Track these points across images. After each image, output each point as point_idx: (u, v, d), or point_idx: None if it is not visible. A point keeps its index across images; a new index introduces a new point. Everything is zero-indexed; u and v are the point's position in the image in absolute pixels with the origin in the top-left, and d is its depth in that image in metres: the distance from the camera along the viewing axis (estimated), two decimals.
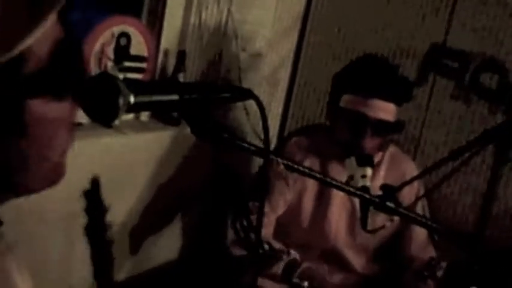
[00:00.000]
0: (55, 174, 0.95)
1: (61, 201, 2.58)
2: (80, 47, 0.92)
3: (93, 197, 1.94)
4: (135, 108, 0.96)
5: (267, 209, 2.77)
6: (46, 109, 0.86)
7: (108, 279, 1.96)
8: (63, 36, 0.88)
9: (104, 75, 0.94)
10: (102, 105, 0.93)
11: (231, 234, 2.75)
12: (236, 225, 2.63)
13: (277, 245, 2.68)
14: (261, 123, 1.12)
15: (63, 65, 0.87)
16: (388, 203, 1.41)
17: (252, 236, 2.50)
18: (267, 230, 2.77)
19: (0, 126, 0.81)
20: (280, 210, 2.83)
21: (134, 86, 0.95)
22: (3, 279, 0.88)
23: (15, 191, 0.92)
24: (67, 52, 0.88)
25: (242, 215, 2.63)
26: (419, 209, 2.70)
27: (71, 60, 0.89)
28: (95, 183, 1.94)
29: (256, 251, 2.29)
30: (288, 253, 2.61)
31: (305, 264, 2.65)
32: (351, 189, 1.45)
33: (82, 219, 2.74)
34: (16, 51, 0.78)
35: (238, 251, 2.71)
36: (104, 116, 0.95)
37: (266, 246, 2.51)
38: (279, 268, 2.57)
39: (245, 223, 2.54)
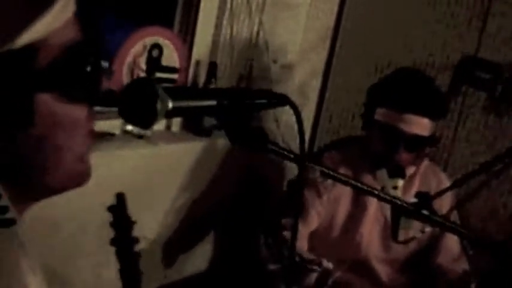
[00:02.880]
0: (76, 176, 0.95)
1: (96, 209, 2.60)
2: (99, 55, 0.92)
3: (119, 211, 1.96)
4: (173, 113, 0.97)
5: (300, 223, 2.76)
6: (56, 107, 0.86)
7: None
8: (79, 39, 0.88)
9: (143, 80, 0.95)
10: (141, 110, 0.94)
11: (263, 250, 2.75)
12: (268, 240, 2.63)
13: (309, 256, 2.67)
14: (291, 132, 1.12)
15: (73, 67, 0.88)
16: (423, 211, 1.40)
17: (285, 250, 2.48)
18: (300, 244, 2.76)
19: (11, 118, 0.82)
20: (314, 224, 2.81)
21: (172, 91, 0.96)
22: (15, 278, 0.88)
23: (37, 190, 0.93)
24: (80, 55, 0.89)
25: (274, 230, 2.63)
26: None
27: (83, 63, 0.90)
28: (121, 198, 1.95)
29: (289, 264, 2.28)
30: (320, 263, 2.60)
31: (337, 274, 2.64)
32: (386, 196, 1.44)
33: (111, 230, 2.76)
34: (23, 40, 0.79)
35: (271, 266, 2.70)
36: (142, 121, 0.96)
37: (297, 258, 2.50)
38: (311, 279, 2.56)
39: (277, 239, 2.53)
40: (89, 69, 0.90)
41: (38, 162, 0.88)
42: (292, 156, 1.20)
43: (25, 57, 0.81)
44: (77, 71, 0.89)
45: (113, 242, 1.94)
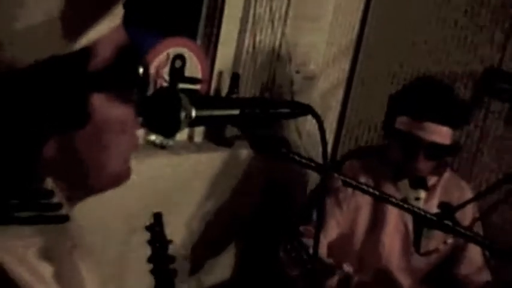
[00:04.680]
0: (121, 176, 0.97)
1: (119, 218, 2.62)
2: (144, 57, 0.94)
3: (156, 230, 1.99)
4: (197, 122, 0.98)
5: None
6: (109, 107, 0.88)
7: None
8: (127, 43, 0.90)
9: (167, 88, 0.96)
10: (165, 118, 0.95)
11: (283, 255, 2.75)
12: (287, 246, 2.63)
13: (329, 261, 2.67)
14: (313, 142, 1.12)
15: (126, 69, 0.90)
16: (445, 221, 1.40)
17: (305, 255, 2.48)
18: (320, 251, 2.76)
19: (66, 117, 0.84)
20: (333, 233, 2.82)
21: (196, 100, 0.97)
22: (72, 276, 0.90)
23: (83, 188, 0.95)
24: (131, 57, 0.91)
25: (293, 237, 2.63)
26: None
27: (134, 65, 0.92)
28: (158, 217, 1.98)
29: (310, 268, 2.28)
30: (341, 267, 2.60)
31: (358, 278, 2.64)
32: (407, 205, 1.44)
33: (139, 236, 2.77)
34: (82, 42, 0.81)
35: (292, 271, 2.70)
36: (165, 130, 0.97)
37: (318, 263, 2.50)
38: (332, 283, 2.56)
39: (296, 245, 2.54)
40: (141, 70, 0.92)
41: (87, 161, 0.90)
42: (314, 165, 1.21)
43: (82, 59, 0.83)
44: (130, 72, 0.91)
45: (150, 259, 1.97)
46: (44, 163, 0.86)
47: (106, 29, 0.86)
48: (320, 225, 1.28)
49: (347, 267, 2.65)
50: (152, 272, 1.96)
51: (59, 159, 0.87)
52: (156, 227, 1.99)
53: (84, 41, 0.82)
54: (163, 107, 0.95)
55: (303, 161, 1.19)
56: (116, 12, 0.87)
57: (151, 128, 0.99)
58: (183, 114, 0.94)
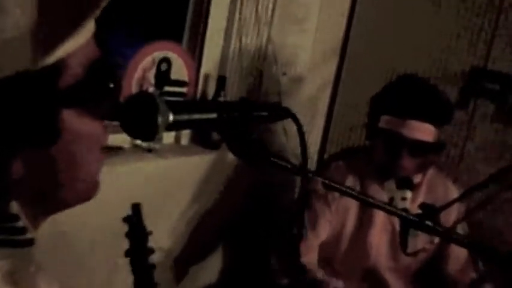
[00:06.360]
0: (90, 191, 0.96)
1: (102, 225, 2.61)
2: (116, 70, 0.93)
3: (135, 222, 1.96)
4: (175, 127, 0.98)
5: (310, 235, 2.77)
6: (80, 123, 0.88)
7: None
8: (99, 57, 0.90)
9: (144, 93, 0.96)
10: (142, 123, 0.95)
11: (274, 262, 2.75)
12: (278, 253, 2.63)
13: (320, 274, 2.67)
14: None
15: (97, 84, 0.89)
16: (427, 222, 1.40)
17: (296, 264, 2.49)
18: (312, 256, 2.77)
19: (36, 135, 0.83)
20: (324, 234, 2.82)
21: (173, 105, 0.97)
22: None
23: (50, 206, 0.94)
24: (102, 72, 0.90)
25: (284, 242, 2.63)
26: (459, 231, 2.67)
27: (106, 80, 0.91)
28: (136, 208, 1.95)
29: (299, 279, 2.28)
30: (331, 282, 2.61)
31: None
32: (390, 207, 1.44)
33: (123, 243, 2.77)
34: (54, 57, 0.81)
35: (282, 279, 2.71)
36: (143, 134, 0.97)
37: (307, 276, 2.51)
38: None
39: (287, 251, 2.54)
40: (111, 85, 0.91)
41: (54, 178, 0.89)
42: (292, 168, 1.20)
43: (52, 74, 0.82)
44: (101, 87, 0.90)
45: (128, 252, 1.94)
46: (9, 185, 0.85)
47: (78, 44, 0.85)
48: (300, 234, 1.28)
49: (336, 283, 2.65)
50: (130, 265, 1.93)
51: (25, 179, 0.85)
52: (134, 218, 1.96)
53: (55, 56, 0.81)
54: (140, 112, 0.95)
55: (283, 164, 1.19)
56: (88, 27, 0.86)
57: (129, 133, 0.98)
58: (160, 118, 0.95)
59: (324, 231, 2.81)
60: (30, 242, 0.91)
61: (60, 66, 0.83)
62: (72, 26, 0.82)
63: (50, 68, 0.81)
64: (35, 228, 0.93)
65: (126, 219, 1.95)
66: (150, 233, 1.97)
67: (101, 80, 0.90)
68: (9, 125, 0.80)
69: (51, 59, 0.81)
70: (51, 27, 0.80)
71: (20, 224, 0.89)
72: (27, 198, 0.89)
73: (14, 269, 0.86)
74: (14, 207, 0.88)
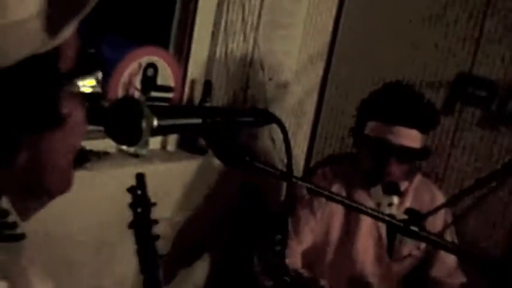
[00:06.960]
0: (67, 180, 0.94)
1: (91, 228, 2.61)
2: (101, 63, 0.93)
3: (139, 192, 1.94)
4: (159, 132, 0.98)
5: (293, 240, 2.77)
6: (77, 108, 0.87)
7: (154, 274, 1.96)
8: (80, 48, 0.89)
9: (128, 98, 0.95)
10: (126, 128, 0.95)
11: (257, 265, 2.75)
12: (262, 256, 2.63)
13: (306, 274, 2.67)
14: None
15: (88, 71, 0.89)
16: (412, 227, 1.40)
17: (278, 265, 2.49)
18: (294, 259, 2.77)
19: (39, 118, 0.82)
20: (308, 241, 2.82)
21: (158, 110, 0.97)
22: None
23: (36, 197, 0.92)
24: (91, 61, 0.90)
25: (268, 246, 2.63)
26: (447, 237, 2.68)
27: (95, 68, 0.91)
28: (140, 178, 1.94)
29: (283, 280, 2.28)
30: (317, 282, 2.60)
31: None
32: (376, 213, 1.44)
33: (111, 247, 2.76)
34: (59, 39, 0.80)
35: (266, 281, 2.70)
36: (127, 139, 0.96)
37: (293, 274, 2.50)
38: None
39: (271, 254, 2.54)
40: (100, 75, 0.91)
41: (49, 167, 0.88)
42: (279, 174, 1.20)
43: (53, 59, 0.82)
44: (89, 74, 0.90)
45: (131, 224, 1.92)
46: (1, 179, 0.84)
47: (73, 29, 0.85)
48: (286, 235, 1.27)
49: (323, 282, 2.65)
50: (134, 235, 1.92)
51: (19, 170, 0.84)
52: (138, 189, 1.95)
53: (62, 38, 0.81)
54: (125, 117, 0.95)
55: (267, 169, 1.19)
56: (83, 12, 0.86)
57: (113, 138, 0.98)
58: (144, 124, 0.94)
59: (306, 238, 2.82)
60: (21, 237, 0.91)
61: (58, 51, 0.82)
62: (76, 9, 0.82)
63: (53, 52, 0.81)
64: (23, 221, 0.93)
65: (130, 190, 1.94)
66: (154, 204, 1.96)
67: (87, 70, 0.90)
68: (16, 111, 0.79)
69: (57, 41, 0.80)
70: (59, 8, 0.80)
71: (10, 218, 0.89)
72: (16, 192, 0.88)
73: (5, 263, 0.86)
74: (4, 202, 0.87)
